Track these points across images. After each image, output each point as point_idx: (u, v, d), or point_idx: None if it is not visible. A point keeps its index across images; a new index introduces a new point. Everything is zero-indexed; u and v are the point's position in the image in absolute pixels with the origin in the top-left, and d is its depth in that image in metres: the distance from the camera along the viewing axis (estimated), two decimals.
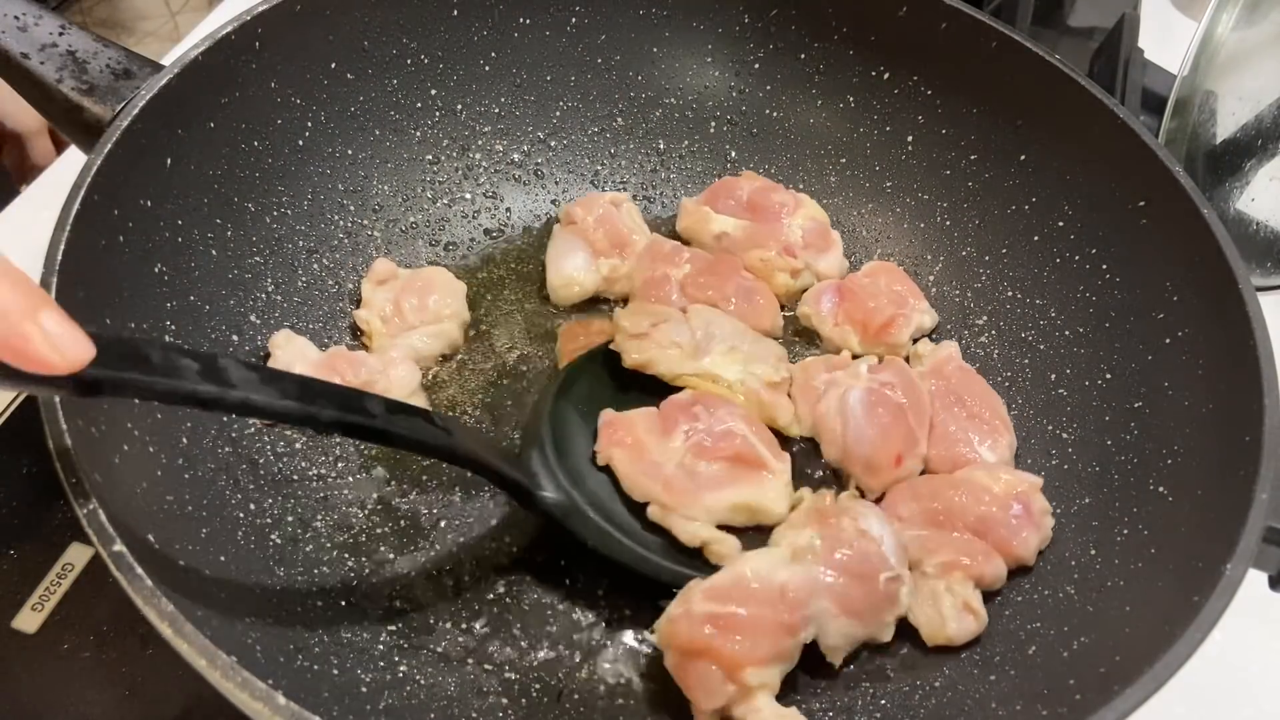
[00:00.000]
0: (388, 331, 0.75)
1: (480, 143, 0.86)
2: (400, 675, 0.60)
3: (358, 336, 0.77)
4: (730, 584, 0.58)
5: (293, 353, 0.71)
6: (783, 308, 0.83)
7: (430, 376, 0.76)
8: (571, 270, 0.80)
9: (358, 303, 0.78)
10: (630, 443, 0.67)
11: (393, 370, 0.72)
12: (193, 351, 0.48)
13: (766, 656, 0.57)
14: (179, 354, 0.48)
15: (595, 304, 0.82)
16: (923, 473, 0.73)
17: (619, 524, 0.66)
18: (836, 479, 0.73)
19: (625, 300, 0.81)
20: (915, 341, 0.80)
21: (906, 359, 0.80)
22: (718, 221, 0.83)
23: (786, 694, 0.63)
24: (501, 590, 0.66)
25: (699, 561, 0.65)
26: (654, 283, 0.79)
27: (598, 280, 0.81)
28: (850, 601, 0.60)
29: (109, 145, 0.60)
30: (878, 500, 0.71)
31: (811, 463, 0.74)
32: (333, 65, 0.76)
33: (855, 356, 0.77)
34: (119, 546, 0.47)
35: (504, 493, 0.66)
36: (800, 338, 0.82)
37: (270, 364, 0.70)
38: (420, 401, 0.73)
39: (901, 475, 0.71)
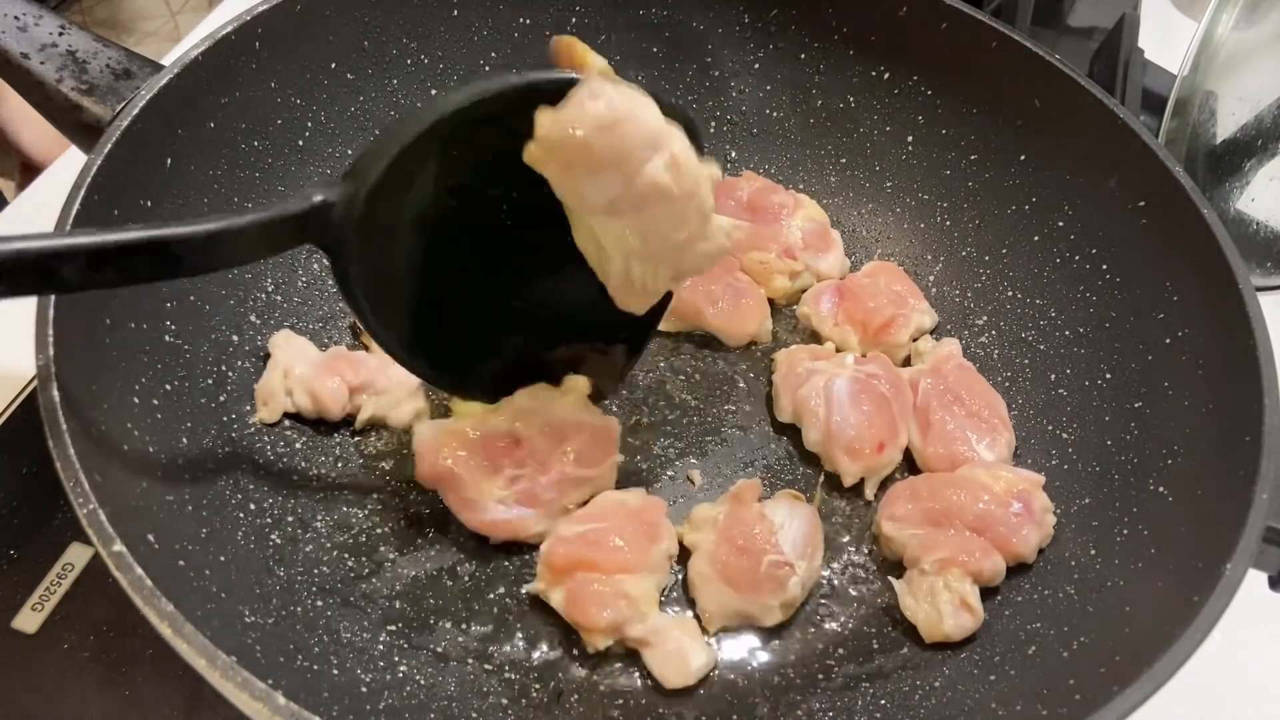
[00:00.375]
0: None
1: None
2: (400, 675, 0.60)
3: (357, 336, 0.77)
4: (589, 507, 0.66)
5: (293, 353, 0.71)
6: (783, 307, 0.84)
7: None
8: None
9: None
10: (448, 476, 0.65)
11: (393, 370, 0.72)
12: None
13: (637, 562, 0.63)
14: None
15: None
16: (921, 471, 0.74)
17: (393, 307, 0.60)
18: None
19: None
20: (915, 340, 0.80)
21: (907, 358, 0.80)
22: None
23: (786, 693, 0.63)
24: (501, 590, 0.66)
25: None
26: None
27: None
28: (727, 570, 0.64)
29: (109, 145, 0.60)
30: (870, 492, 0.71)
31: (788, 454, 0.75)
32: (333, 65, 0.76)
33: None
34: (119, 546, 0.47)
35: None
36: (801, 338, 0.82)
37: (270, 364, 0.71)
38: (420, 401, 0.73)
39: (882, 463, 0.72)
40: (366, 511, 0.68)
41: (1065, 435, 0.74)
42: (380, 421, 0.72)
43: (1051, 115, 0.77)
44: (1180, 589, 0.55)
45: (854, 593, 0.69)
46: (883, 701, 0.63)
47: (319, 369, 0.70)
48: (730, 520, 0.66)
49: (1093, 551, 0.66)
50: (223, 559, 0.59)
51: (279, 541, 0.65)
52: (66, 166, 0.96)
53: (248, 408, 0.69)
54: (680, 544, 0.67)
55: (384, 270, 0.59)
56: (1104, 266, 0.75)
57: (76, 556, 0.71)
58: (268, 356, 0.71)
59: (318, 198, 0.54)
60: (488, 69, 0.84)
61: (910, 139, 0.85)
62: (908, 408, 0.74)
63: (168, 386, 0.63)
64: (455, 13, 0.81)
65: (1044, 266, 0.79)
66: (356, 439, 0.72)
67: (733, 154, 0.90)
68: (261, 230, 0.52)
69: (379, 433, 0.72)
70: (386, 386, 0.71)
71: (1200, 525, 0.59)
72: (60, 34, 0.65)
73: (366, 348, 0.75)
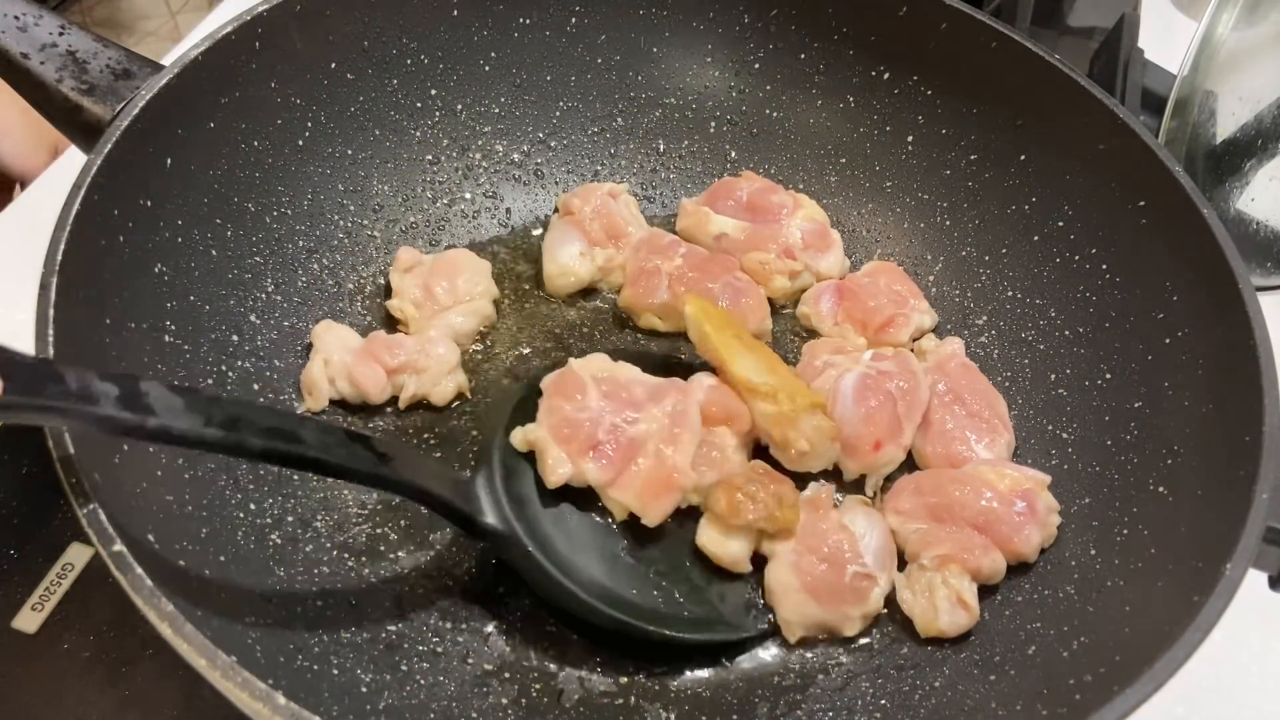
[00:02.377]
0: (422, 316, 0.76)
1: (480, 143, 0.86)
2: (400, 675, 0.60)
3: (394, 324, 0.77)
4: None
5: (333, 341, 0.72)
6: (783, 307, 0.84)
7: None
8: (567, 260, 0.81)
9: (358, 302, 0.78)
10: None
11: (433, 349, 0.73)
12: (115, 375, 0.47)
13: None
14: (98, 379, 0.46)
15: (591, 294, 0.83)
16: (919, 469, 0.73)
17: (564, 564, 0.63)
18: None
19: (619, 291, 0.82)
20: (915, 340, 0.80)
21: None
22: (717, 222, 0.83)
23: (787, 693, 0.63)
24: (502, 590, 0.66)
25: (646, 613, 0.63)
26: (644, 274, 0.79)
27: (593, 270, 0.81)
28: (810, 581, 0.64)
29: (109, 145, 0.60)
30: (870, 489, 0.71)
31: None
32: (333, 65, 0.76)
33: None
34: (119, 546, 0.47)
35: (449, 522, 0.63)
36: (801, 338, 0.82)
37: (312, 354, 0.72)
38: (461, 377, 0.74)
39: (879, 462, 0.72)
40: (366, 511, 0.68)
41: (1065, 435, 0.73)
42: (423, 399, 0.73)
43: (1052, 116, 0.77)
44: (1180, 589, 0.55)
45: None
46: (883, 701, 0.63)
47: (359, 355, 0.72)
48: (809, 529, 0.65)
49: (1093, 551, 0.66)
50: (223, 559, 0.59)
51: (279, 541, 0.64)
52: (66, 166, 0.96)
53: None
54: (757, 551, 0.67)
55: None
56: (1104, 266, 0.75)
57: (76, 556, 0.71)
58: (269, 356, 0.72)
59: (483, 520, 0.63)
60: (487, 69, 0.84)
61: (910, 139, 0.85)
62: (916, 407, 0.73)
63: None
64: (455, 13, 0.81)
65: (1044, 266, 0.79)
66: (399, 423, 0.73)
67: (733, 154, 0.90)
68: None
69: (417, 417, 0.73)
70: (426, 365, 0.73)
71: (1200, 525, 0.59)
72: (60, 34, 0.65)
73: (404, 330, 0.76)
